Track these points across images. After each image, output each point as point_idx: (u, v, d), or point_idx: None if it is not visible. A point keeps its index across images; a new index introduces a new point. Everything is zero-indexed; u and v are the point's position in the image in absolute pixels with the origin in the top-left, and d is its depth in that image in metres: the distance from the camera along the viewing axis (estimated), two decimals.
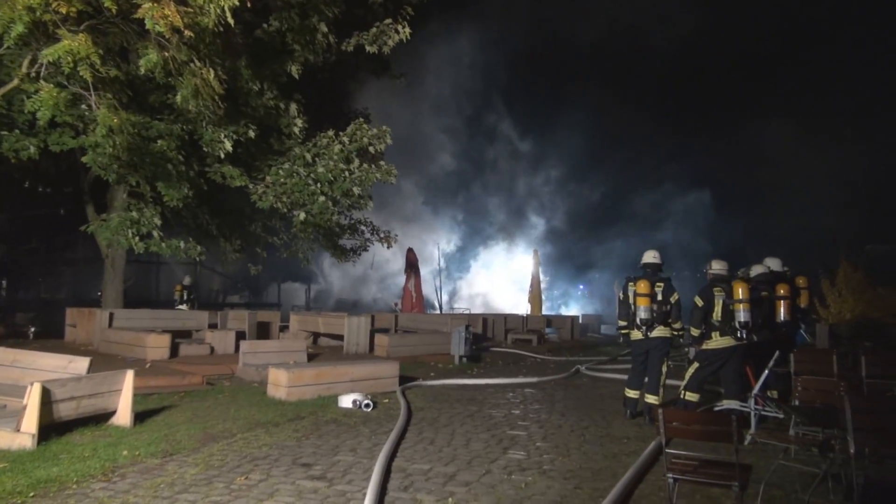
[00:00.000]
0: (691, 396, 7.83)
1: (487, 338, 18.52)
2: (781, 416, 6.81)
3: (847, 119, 34.44)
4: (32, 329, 15.12)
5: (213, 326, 14.73)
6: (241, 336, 13.67)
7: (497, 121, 37.96)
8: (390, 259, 29.67)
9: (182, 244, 13.27)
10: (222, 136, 12.41)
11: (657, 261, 8.29)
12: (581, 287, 40.07)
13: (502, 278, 36.46)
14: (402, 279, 25.97)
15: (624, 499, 4.91)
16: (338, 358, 12.87)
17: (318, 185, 13.35)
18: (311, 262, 17.56)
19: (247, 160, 13.89)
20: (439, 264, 32.59)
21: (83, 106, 10.76)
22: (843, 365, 7.84)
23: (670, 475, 4.18)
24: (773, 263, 9.50)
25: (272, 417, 7.49)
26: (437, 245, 34.28)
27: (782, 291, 8.82)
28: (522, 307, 26.25)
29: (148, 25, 8.39)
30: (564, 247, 38.28)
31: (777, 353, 7.78)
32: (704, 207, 37.32)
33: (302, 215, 13.33)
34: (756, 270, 9.02)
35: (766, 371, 7.62)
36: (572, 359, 15.35)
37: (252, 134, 12.93)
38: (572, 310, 34.23)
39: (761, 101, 38.58)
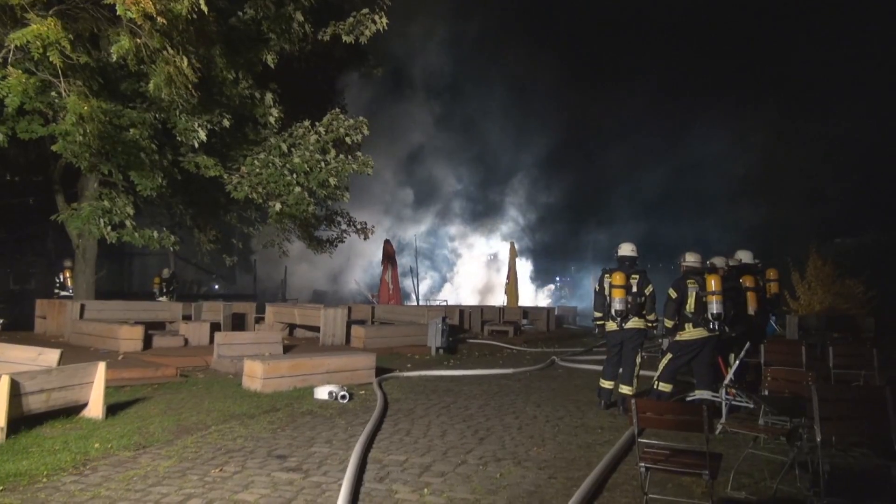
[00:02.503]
0: (664, 387, 7.92)
1: (464, 329, 18.56)
2: (752, 405, 6.91)
3: (816, 112, 35.11)
4: (1, 321, 14.84)
5: (187, 318, 14.60)
6: (215, 328, 13.57)
7: (474, 111, 37.99)
8: (366, 250, 29.61)
9: (156, 234, 13.09)
10: (196, 125, 12.25)
11: (633, 253, 8.34)
12: (558, 279, 40.35)
13: (480, 270, 36.61)
14: (377, 271, 25.99)
15: (598, 488, 4.97)
16: (314, 349, 12.82)
17: (294, 175, 13.25)
18: (288, 253, 17.43)
19: (221, 150, 13.73)
20: (416, 256, 32.57)
21: (53, 93, 10.55)
22: (811, 356, 7.98)
23: (643, 464, 4.23)
24: (745, 256, 9.65)
25: (247, 409, 7.45)
26: (414, 236, 34.28)
27: (748, 283, 8.96)
28: (499, 298, 26.37)
29: (119, 11, 8.23)
30: (547, 238, 38.50)
31: (748, 343, 7.91)
32: (676, 198, 37.77)
33: (277, 206, 13.22)
34: (719, 262, 9.10)
35: (738, 361, 7.74)
36: (548, 350, 15.43)
37: (227, 123, 12.78)
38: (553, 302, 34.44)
39: (732, 89, 39.21)
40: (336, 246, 16.93)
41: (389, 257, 22.37)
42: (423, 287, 36.07)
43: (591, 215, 41.61)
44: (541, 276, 38.74)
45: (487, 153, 39.31)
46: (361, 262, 32.25)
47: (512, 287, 23.93)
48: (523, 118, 39.38)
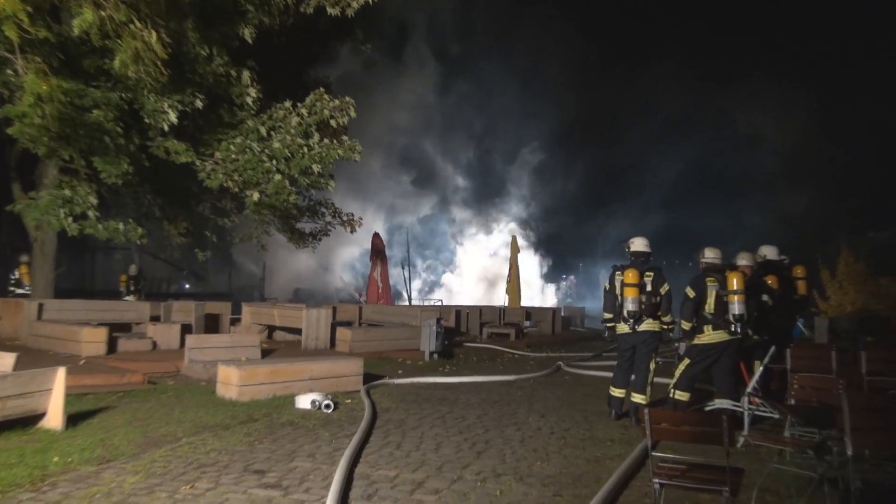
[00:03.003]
0: (681, 395, 7.94)
1: (461, 332, 18.58)
2: (776, 416, 6.93)
3: (856, 97, 35.06)
4: None
5: (155, 319, 14.59)
6: (186, 329, 13.55)
7: (473, 90, 37.96)
8: (353, 245, 29.61)
9: (121, 226, 13.05)
10: (166, 106, 12.19)
11: (647, 249, 8.34)
12: (563, 277, 40.42)
13: (479, 267, 36.66)
14: (366, 268, 25.96)
15: None
16: (295, 354, 12.85)
17: (274, 161, 13.23)
18: (267, 247, 17.40)
19: (194, 134, 13.68)
20: (408, 252, 32.57)
21: (9, 71, 10.50)
22: (842, 361, 7.99)
23: (657, 480, 4.24)
24: (769, 251, 9.65)
25: (221, 420, 7.44)
26: (406, 231, 34.29)
27: (770, 282, 8.96)
28: (500, 298, 26.38)
29: None
30: (554, 230, 38.54)
31: (773, 348, 7.91)
32: (696, 189, 37.78)
33: (255, 195, 13.19)
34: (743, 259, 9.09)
35: (762, 367, 7.75)
36: (553, 355, 15.49)
37: (200, 104, 12.72)
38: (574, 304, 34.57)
39: (759, 73, 39.19)
40: (320, 240, 16.91)
41: (379, 252, 22.37)
42: (416, 286, 36.17)
43: (602, 206, 41.78)
44: (549, 274, 38.86)
45: (491, 137, 39.41)
46: (348, 257, 32.27)
47: (514, 286, 23.90)
48: (531, 96, 39.43)
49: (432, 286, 37.03)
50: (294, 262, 28.96)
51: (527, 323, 21.32)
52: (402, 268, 31.39)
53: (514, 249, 24.71)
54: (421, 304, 30.94)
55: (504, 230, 36.85)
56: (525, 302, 25.53)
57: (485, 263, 36.33)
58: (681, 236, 32.61)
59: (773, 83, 37.86)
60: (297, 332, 14.66)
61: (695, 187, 38.29)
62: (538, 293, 36.58)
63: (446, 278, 36.88)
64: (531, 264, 36.21)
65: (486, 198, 39.20)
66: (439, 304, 28.82)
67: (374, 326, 16.71)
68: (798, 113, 33.77)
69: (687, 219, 35.29)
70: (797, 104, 34.08)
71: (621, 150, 41.27)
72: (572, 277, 40.15)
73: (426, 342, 13.59)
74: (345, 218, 16.54)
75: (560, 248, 39.75)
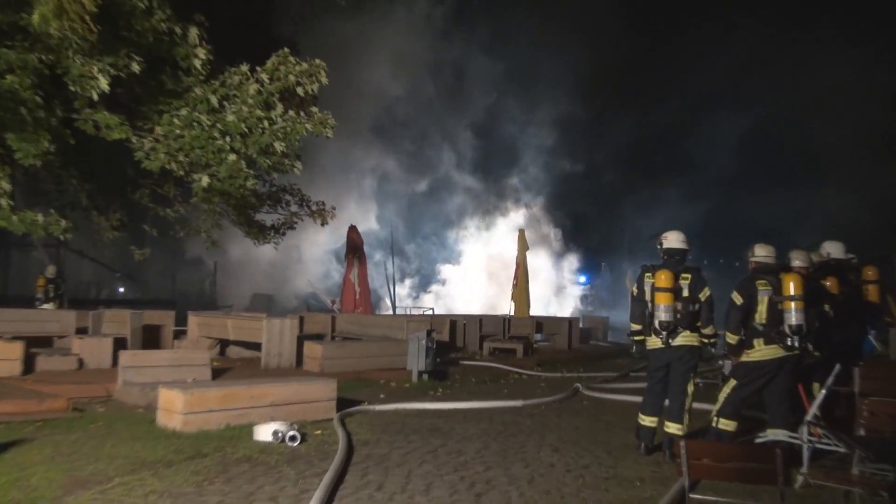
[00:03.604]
0: (726, 424, 7.93)
1: (457, 347, 18.56)
2: (843, 450, 6.93)
3: None
4: None
5: (82, 331, 14.52)
6: (120, 344, 13.49)
7: (470, 54, 37.92)
8: (325, 240, 29.59)
9: (41, 218, 12.97)
10: (96, 70, 12.10)
11: (683, 245, 8.34)
12: (584, 280, 40.44)
13: (477, 269, 36.70)
14: (341, 268, 25.90)
15: None
16: (254, 374, 12.83)
17: (227, 138, 13.15)
18: (219, 244, 17.34)
19: (129, 104, 13.60)
20: (392, 250, 32.58)
21: None
22: None
23: None
24: (834, 249, 9.66)
25: (163, 455, 7.41)
26: (389, 224, 34.28)
27: (829, 285, 8.96)
28: (504, 306, 26.41)
29: None
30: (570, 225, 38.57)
31: (838, 366, 7.91)
32: (753, 168, 37.44)
33: (205, 180, 13.12)
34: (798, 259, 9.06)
35: (824, 391, 7.75)
36: (570, 375, 15.49)
37: (136, 68, 12.63)
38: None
39: (817, 43, 38.78)
40: (284, 234, 16.86)
41: (356, 249, 22.32)
42: (402, 291, 36.19)
43: (631, 191, 41.75)
44: (569, 275, 38.87)
45: (498, 107, 39.33)
46: (318, 255, 32.23)
47: (521, 291, 23.91)
48: (545, 55, 39.21)
49: (422, 288, 37.09)
50: (253, 261, 28.92)
51: (537, 336, 21.32)
52: (385, 269, 31.41)
53: (522, 246, 24.70)
54: (408, 312, 30.94)
55: (514, 219, 36.93)
56: (535, 310, 25.57)
57: (487, 264, 36.37)
58: (731, 229, 32.61)
59: (858, 28, 37.02)
60: (256, 347, 14.62)
61: (751, 166, 38.10)
62: (551, 299, 36.63)
63: (439, 284, 36.91)
64: (543, 263, 36.24)
65: (490, 185, 39.33)
66: (430, 313, 28.84)
67: (351, 340, 16.67)
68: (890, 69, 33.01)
69: (739, 207, 35.27)
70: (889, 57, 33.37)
71: (658, 120, 40.93)
72: (587, 286, 40.17)
73: (414, 360, 13.56)
74: (314, 207, 16.48)
75: (579, 244, 39.81)
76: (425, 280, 37.99)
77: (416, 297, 36.49)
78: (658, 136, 42.32)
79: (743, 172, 38.20)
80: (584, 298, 39.93)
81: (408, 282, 37.86)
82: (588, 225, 40.32)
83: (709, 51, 38.45)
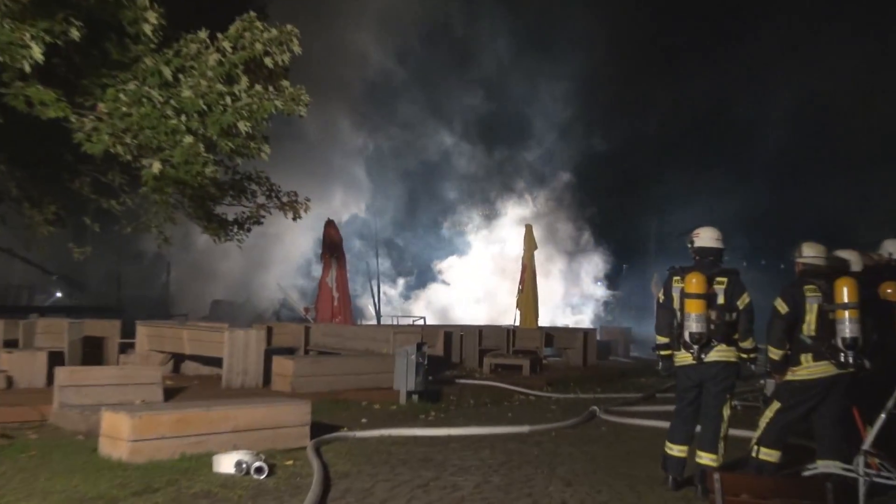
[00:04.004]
0: (768, 454, 7.90)
1: (453, 363, 18.54)
2: None
3: None
4: None
5: (11, 344, 14.49)
6: (56, 359, 13.39)
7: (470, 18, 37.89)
8: (297, 238, 29.53)
9: None
10: (28, 37, 12.03)
11: (718, 244, 8.30)
12: (602, 284, 40.42)
13: (477, 270, 36.69)
14: (316, 270, 25.84)
15: None
16: (213, 394, 12.78)
17: (183, 117, 13.09)
18: (172, 241, 17.27)
19: (67, 77, 13.54)
20: (376, 250, 32.55)
21: None
22: None
23: None
24: None
25: (107, 490, 7.35)
26: (374, 218, 34.24)
27: (890, 291, 8.88)
28: (508, 315, 26.36)
29: None
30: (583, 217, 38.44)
31: None
32: (809, 153, 37.01)
33: (156, 166, 13.06)
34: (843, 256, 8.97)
35: (883, 415, 7.70)
36: (585, 396, 15.51)
37: (76, 34, 12.55)
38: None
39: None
40: (249, 229, 16.82)
41: (334, 248, 22.26)
42: (394, 291, 36.19)
43: (661, 178, 41.51)
44: (576, 276, 38.80)
45: (499, 81, 39.26)
46: (290, 256, 32.17)
47: (528, 297, 23.87)
48: (555, 18, 39.12)
49: (419, 286, 37.10)
50: (212, 262, 28.87)
51: (547, 350, 21.30)
52: (369, 272, 31.37)
53: (529, 244, 24.66)
54: (395, 322, 30.92)
55: (520, 211, 36.91)
56: (545, 320, 25.56)
57: (489, 265, 36.37)
58: (776, 224, 32.52)
59: None
60: (217, 363, 14.61)
61: (803, 149, 37.71)
62: (563, 307, 36.63)
63: (434, 288, 36.89)
64: (555, 264, 36.24)
65: (494, 169, 39.33)
66: (421, 323, 28.80)
67: (328, 355, 16.64)
68: None
69: (788, 197, 35.10)
70: None
71: (695, 93, 40.48)
72: (611, 291, 40.21)
73: (402, 378, 13.52)
74: (285, 199, 16.45)
75: (597, 241, 39.75)
76: (420, 281, 37.97)
77: (408, 299, 36.54)
78: (694, 112, 41.78)
79: (793, 157, 37.92)
80: (605, 305, 39.87)
81: (401, 281, 37.93)
82: (609, 219, 40.10)
83: (762, 8, 38.20)
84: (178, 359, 15.84)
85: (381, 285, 32.87)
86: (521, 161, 39.48)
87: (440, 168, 38.44)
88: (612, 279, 41.21)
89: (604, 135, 39.47)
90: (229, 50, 13.60)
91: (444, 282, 37.12)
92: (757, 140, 38.63)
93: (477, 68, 38.66)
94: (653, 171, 42.36)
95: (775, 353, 7.92)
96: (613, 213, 40.65)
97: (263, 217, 16.76)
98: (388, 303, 36.10)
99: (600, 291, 40.10)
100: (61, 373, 10.97)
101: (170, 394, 11.93)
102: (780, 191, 36.69)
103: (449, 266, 37.74)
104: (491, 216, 38.96)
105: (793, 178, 37.31)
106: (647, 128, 40.59)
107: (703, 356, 8.06)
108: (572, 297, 38.33)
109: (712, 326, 8.01)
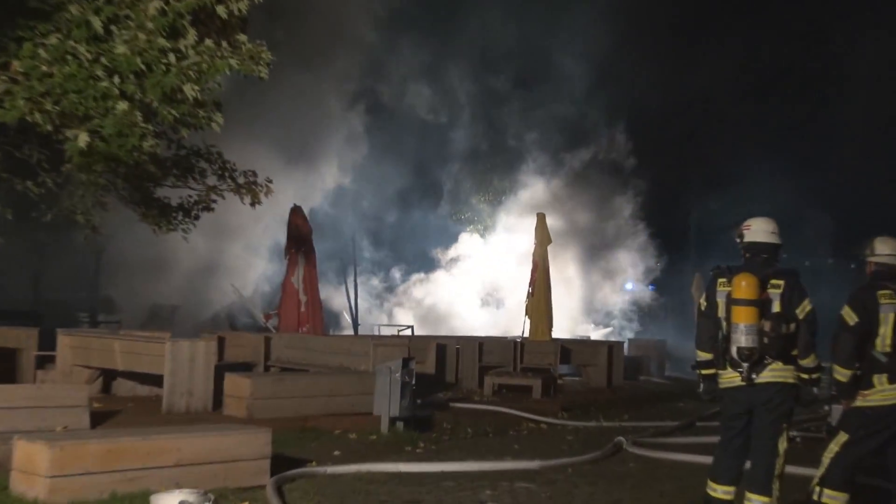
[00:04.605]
0: (833, 497, 7.94)
1: (446, 382, 18.54)
2: None
3: None
4: None
5: None
6: None
7: None
8: (256, 228, 29.53)
9: None
10: None
11: (774, 239, 8.29)
12: (629, 284, 40.37)
13: (475, 273, 36.69)
14: (278, 270, 25.84)
15: None
16: (152, 420, 12.82)
17: (116, 79, 13.12)
18: (103, 231, 17.31)
19: None
20: (353, 244, 32.53)
21: None
22: None
23: None
24: None
25: None
26: (350, 207, 34.22)
27: None
28: (515, 325, 26.42)
29: None
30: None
31: None
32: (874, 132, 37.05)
33: (83, 138, 13.07)
34: None
35: None
36: (609, 424, 15.55)
37: None
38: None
39: None
40: (197, 217, 16.85)
41: (301, 241, 22.24)
42: (368, 301, 36.18)
43: (706, 159, 41.28)
44: (597, 277, 38.77)
45: (505, 38, 39.14)
46: (246, 250, 32.18)
47: (540, 303, 23.88)
48: None
49: (391, 294, 37.16)
50: (152, 257, 28.85)
51: (563, 368, 21.33)
52: (344, 271, 31.39)
53: (542, 237, 24.64)
54: (376, 332, 30.94)
55: (532, 195, 36.87)
56: (560, 331, 25.56)
57: (492, 261, 36.38)
58: (847, 215, 32.35)
59: None
60: (157, 381, 14.60)
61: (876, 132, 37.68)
62: (583, 315, 36.62)
63: (422, 288, 36.91)
64: (573, 262, 36.23)
65: (499, 141, 39.25)
66: (408, 332, 28.81)
67: (293, 372, 16.61)
68: None
69: (864, 181, 34.84)
70: None
71: (765, 41, 40.29)
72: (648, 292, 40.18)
73: (384, 401, 13.51)
74: (242, 180, 16.47)
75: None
76: (408, 275, 37.98)
77: (391, 294, 36.56)
78: (755, 67, 41.61)
79: (874, 129, 37.77)
80: (636, 314, 39.79)
81: (378, 280, 37.98)
82: (640, 204, 39.93)
83: None
84: (108, 376, 15.80)
85: (360, 283, 32.82)
86: (536, 128, 39.41)
87: (432, 139, 38.46)
88: (646, 279, 41.00)
89: (642, 96, 39.42)
90: None
91: (445, 270, 37.05)
92: (830, 108, 38.56)
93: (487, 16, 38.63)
94: (697, 150, 42.16)
95: (843, 374, 7.95)
96: (644, 197, 40.43)
97: (215, 202, 16.78)
98: (370, 309, 36.16)
99: (629, 295, 40.03)
100: None
101: (98, 419, 11.91)
102: (852, 172, 36.50)
103: (447, 260, 37.76)
104: (496, 200, 38.98)
105: (871, 155, 37.12)
106: (693, 87, 40.22)
107: (753, 376, 8.05)
108: (595, 303, 38.30)
109: (766, 340, 7.95)
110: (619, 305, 39.40)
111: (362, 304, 35.55)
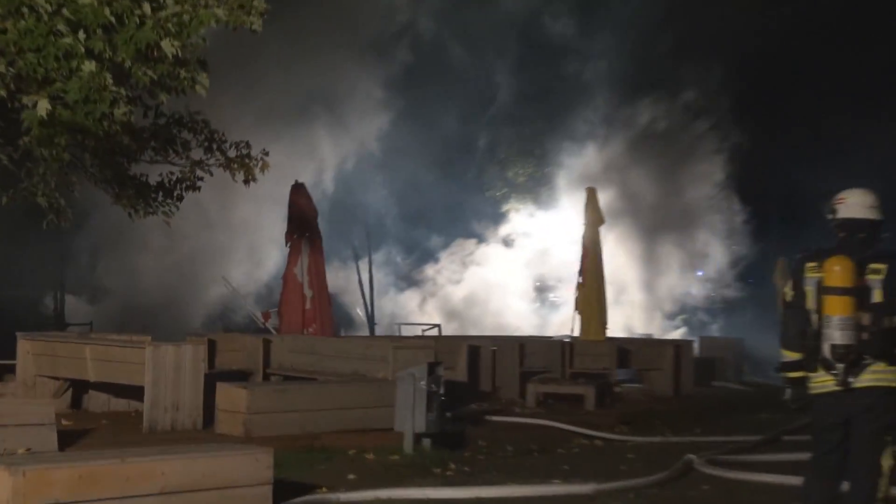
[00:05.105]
0: None
1: (480, 391, 18.55)
2: None
3: None
4: None
5: None
6: None
7: None
8: (250, 210, 29.62)
9: None
10: None
11: (873, 214, 8.22)
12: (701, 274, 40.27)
13: (516, 263, 36.72)
14: (279, 259, 25.92)
15: None
16: (131, 440, 12.88)
17: (82, 34, 13.17)
18: (70, 216, 17.39)
19: None
20: (367, 233, 32.60)
21: None
22: None
23: None
24: None
25: None
26: (362, 183, 34.29)
27: None
28: (563, 323, 26.43)
29: None
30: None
31: None
32: None
33: (43, 105, 13.15)
34: None
35: None
36: (677, 440, 15.55)
37: None
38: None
39: None
40: (181, 198, 16.88)
41: (304, 225, 22.27)
42: (386, 296, 36.26)
43: (797, 117, 41.02)
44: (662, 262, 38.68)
45: None
46: (239, 236, 32.27)
47: (591, 294, 23.84)
48: None
49: (414, 287, 37.24)
50: (128, 247, 28.99)
51: (621, 373, 21.30)
52: (356, 261, 31.45)
53: (593, 215, 24.61)
54: (395, 331, 30.99)
55: (582, 165, 36.87)
56: (616, 328, 25.52)
57: (537, 247, 36.43)
58: None
59: None
60: (136, 393, 14.65)
61: None
62: (649, 310, 36.56)
63: (450, 280, 36.98)
64: (633, 245, 36.20)
65: (542, 96, 39.23)
66: (435, 332, 28.85)
67: (298, 381, 16.67)
68: None
69: None
70: None
71: None
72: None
73: (407, 414, 13.50)
74: (233, 153, 16.50)
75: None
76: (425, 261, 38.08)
77: (418, 285, 36.66)
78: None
79: None
80: (712, 306, 39.73)
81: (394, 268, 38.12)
82: (724, 175, 39.63)
83: None
84: (78, 388, 15.86)
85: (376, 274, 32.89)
86: (587, 82, 39.43)
87: (467, 107, 38.52)
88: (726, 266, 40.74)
89: (719, 34, 39.18)
90: None
91: (477, 257, 37.09)
92: None
93: None
94: (788, 105, 41.91)
95: None
96: (725, 164, 40.10)
97: (201, 179, 16.80)
98: (389, 305, 36.22)
99: (701, 285, 39.93)
100: None
101: (67, 439, 11.98)
102: None
103: (480, 245, 37.77)
104: (539, 173, 39.02)
105: None
106: (794, 25, 40.05)
107: (850, 380, 8.00)
108: (660, 294, 38.17)
109: (864, 336, 7.91)
110: (691, 298, 39.30)
111: (379, 300, 35.63)
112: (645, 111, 38.05)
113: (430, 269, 38.08)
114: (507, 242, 37.56)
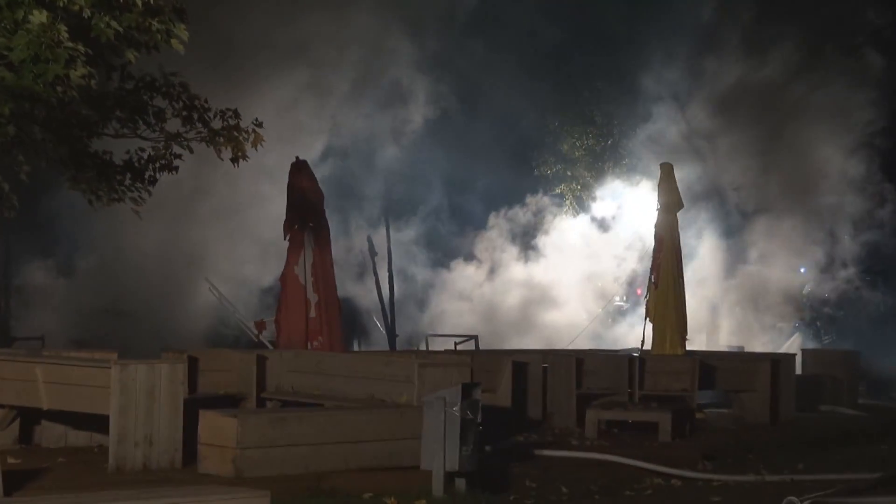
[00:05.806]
0: None
1: (529, 419, 18.63)
2: None
3: None
4: None
5: None
6: None
7: None
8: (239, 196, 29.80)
9: None
10: None
11: None
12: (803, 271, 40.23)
13: (573, 261, 36.85)
14: (278, 255, 26.09)
15: None
16: (93, 482, 12.93)
17: None
18: (14, 203, 17.61)
19: None
20: (387, 224, 32.77)
21: None
22: None
23: None
24: None
25: None
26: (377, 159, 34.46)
27: None
28: (632, 333, 26.53)
29: None
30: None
31: None
32: None
33: None
34: None
35: None
36: (774, 479, 15.54)
37: None
38: None
39: None
40: (153, 181, 16.99)
41: (307, 211, 22.34)
42: (408, 302, 36.39)
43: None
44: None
45: None
46: (226, 227, 32.44)
47: (666, 298, 23.87)
48: None
49: (441, 291, 37.39)
50: (88, 243, 29.14)
51: (704, 395, 21.34)
52: (373, 258, 31.63)
53: (670, 201, 24.61)
54: (422, 345, 31.11)
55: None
56: (697, 341, 25.57)
57: (596, 239, 36.56)
58: None
59: None
60: (100, 424, 14.70)
61: None
62: (735, 319, 36.55)
63: (488, 278, 37.11)
64: (719, 241, 36.24)
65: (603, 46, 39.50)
66: (470, 345, 28.96)
67: (301, 408, 16.75)
68: None
69: None
70: None
71: None
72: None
73: (436, 448, 13.55)
74: (219, 125, 16.60)
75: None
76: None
77: (446, 289, 36.81)
78: None
79: None
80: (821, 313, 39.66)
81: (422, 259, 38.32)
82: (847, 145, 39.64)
83: None
84: (28, 418, 15.98)
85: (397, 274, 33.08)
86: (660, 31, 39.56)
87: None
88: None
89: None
90: None
91: (523, 253, 37.19)
92: None
93: None
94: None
95: None
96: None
97: (179, 157, 16.89)
98: (411, 312, 36.35)
99: (808, 287, 39.80)
100: None
101: (15, 482, 12.07)
102: None
103: (527, 238, 37.86)
104: (600, 146, 39.17)
105: None
106: None
107: None
108: (759, 297, 38.02)
109: None
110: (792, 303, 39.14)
111: (400, 306, 35.77)
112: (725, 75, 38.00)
113: (464, 269, 38.26)
114: (557, 236, 37.58)
